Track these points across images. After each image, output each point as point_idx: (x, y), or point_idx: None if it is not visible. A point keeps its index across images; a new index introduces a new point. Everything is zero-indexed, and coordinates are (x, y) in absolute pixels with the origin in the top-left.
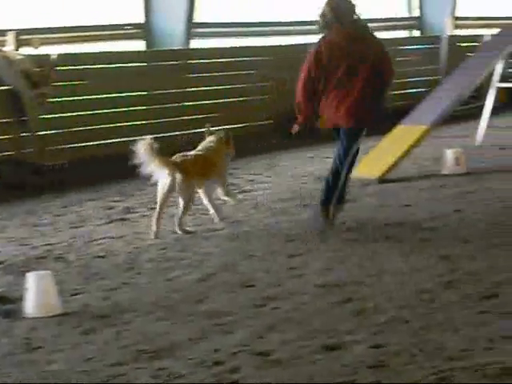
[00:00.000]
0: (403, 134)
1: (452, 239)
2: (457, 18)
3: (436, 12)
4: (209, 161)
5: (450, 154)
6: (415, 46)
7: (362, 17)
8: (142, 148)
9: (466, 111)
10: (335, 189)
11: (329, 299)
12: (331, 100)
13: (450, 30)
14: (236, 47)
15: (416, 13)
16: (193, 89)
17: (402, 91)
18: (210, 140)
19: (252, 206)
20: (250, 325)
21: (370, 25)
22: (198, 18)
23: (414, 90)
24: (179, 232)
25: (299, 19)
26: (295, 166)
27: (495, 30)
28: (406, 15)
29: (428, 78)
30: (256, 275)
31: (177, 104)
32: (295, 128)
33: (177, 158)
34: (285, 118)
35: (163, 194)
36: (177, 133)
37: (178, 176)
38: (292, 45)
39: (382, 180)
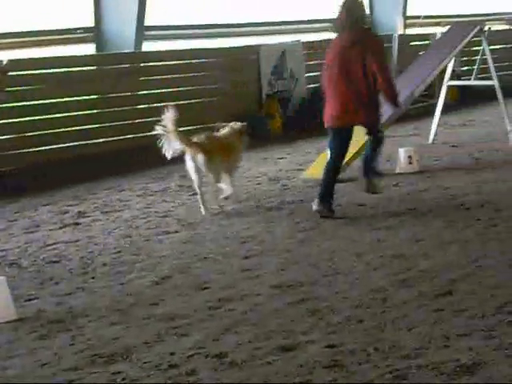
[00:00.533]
0: (356, 134)
1: (406, 238)
2: (408, 17)
3: (387, 11)
4: (228, 145)
5: (402, 153)
6: None
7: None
8: (167, 125)
9: (418, 110)
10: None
11: (284, 300)
12: None
13: (400, 29)
14: (188, 49)
15: (367, 12)
16: (145, 92)
17: None
18: (226, 131)
19: (206, 207)
20: (206, 327)
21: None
22: (148, 20)
23: None
24: (217, 207)
25: (250, 21)
26: (249, 168)
27: (446, 28)
28: None
29: None
30: (211, 277)
31: (129, 107)
32: None
33: (199, 138)
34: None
35: (194, 176)
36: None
37: (201, 157)
38: (243, 46)
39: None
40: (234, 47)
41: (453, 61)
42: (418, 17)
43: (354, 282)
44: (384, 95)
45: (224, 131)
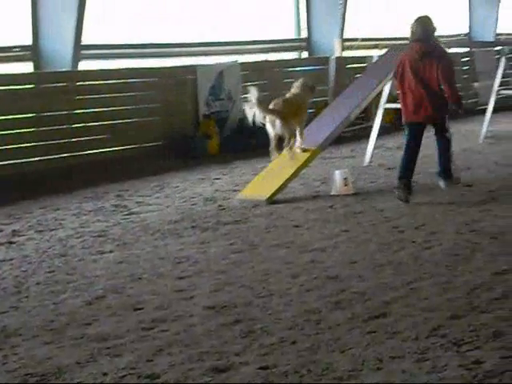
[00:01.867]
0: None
1: (340, 259)
2: (345, 40)
3: (324, 33)
4: (301, 105)
5: (338, 175)
6: (303, 68)
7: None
8: (251, 100)
9: (355, 132)
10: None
11: (217, 321)
12: None
13: (338, 52)
14: (124, 69)
15: (304, 34)
16: (82, 110)
17: None
18: (298, 89)
19: (141, 228)
20: (138, 348)
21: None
22: (86, 39)
23: None
24: (298, 151)
25: (188, 41)
26: (185, 188)
27: (383, 51)
28: (295, 36)
29: (316, 99)
30: (144, 298)
31: (65, 126)
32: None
33: (277, 103)
34: (174, 139)
35: (273, 136)
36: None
37: (278, 122)
38: (181, 66)
39: (271, 201)
40: (171, 67)
41: (389, 83)
42: (356, 39)
43: (288, 304)
44: (450, 98)
45: (296, 90)
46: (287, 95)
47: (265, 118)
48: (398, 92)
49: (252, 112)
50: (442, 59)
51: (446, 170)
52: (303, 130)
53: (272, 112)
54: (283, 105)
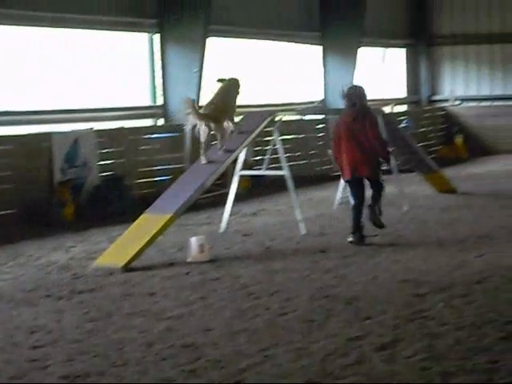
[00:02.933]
0: (148, 223)
1: (196, 327)
2: (201, 107)
3: (179, 100)
4: (227, 104)
5: (194, 242)
6: (160, 135)
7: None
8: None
9: (211, 198)
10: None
11: None
12: None
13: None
14: None
15: (160, 101)
16: None
17: (148, 179)
18: (221, 86)
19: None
20: None
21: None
22: None
23: (159, 179)
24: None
25: (43, 108)
26: (39, 256)
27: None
28: (151, 104)
29: (172, 166)
30: None
31: None
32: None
33: (205, 109)
34: (29, 206)
35: (204, 138)
36: None
37: (212, 124)
38: (35, 133)
39: (127, 269)
40: (26, 134)
41: (245, 150)
42: None
43: (144, 373)
44: (379, 155)
45: (221, 90)
46: (213, 97)
47: (200, 123)
48: (332, 152)
49: (189, 120)
50: (372, 122)
51: (373, 209)
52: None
53: (205, 117)
54: (214, 108)
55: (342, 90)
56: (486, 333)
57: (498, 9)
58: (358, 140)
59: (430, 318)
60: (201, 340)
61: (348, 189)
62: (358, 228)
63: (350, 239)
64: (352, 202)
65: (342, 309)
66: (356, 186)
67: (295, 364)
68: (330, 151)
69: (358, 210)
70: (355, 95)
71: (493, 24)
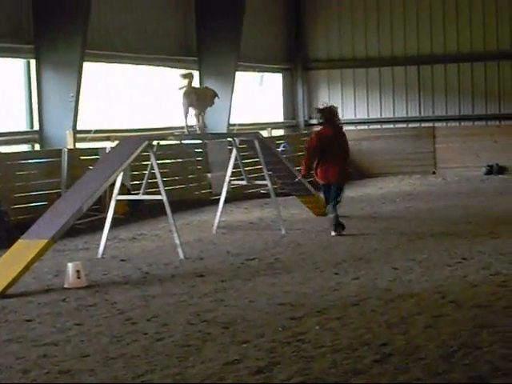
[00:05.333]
0: (24, 249)
1: (72, 353)
2: (78, 131)
3: (56, 125)
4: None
5: (71, 268)
6: (36, 160)
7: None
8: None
9: (88, 224)
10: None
11: None
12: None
13: (70, 143)
14: None
15: (36, 126)
16: None
17: (24, 205)
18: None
19: None
20: None
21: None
22: None
23: (36, 204)
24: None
25: None
26: None
27: (115, 143)
28: (27, 129)
29: (49, 191)
30: None
31: None
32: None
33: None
34: None
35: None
36: None
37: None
38: None
39: (3, 295)
40: None
41: (121, 175)
42: (89, 131)
43: None
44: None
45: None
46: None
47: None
48: (307, 161)
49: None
50: (344, 138)
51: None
52: None
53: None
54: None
55: (316, 107)
56: (361, 355)
57: (374, 33)
58: (334, 152)
59: (306, 341)
60: (77, 366)
61: (322, 191)
62: (338, 222)
63: (334, 234)
64: (328, 202)
65: (219, 333)
66: (329, 190)
67: None
68: (208, 175)
69: (334, 207)
70: (329, 112)
71: (369, 48)
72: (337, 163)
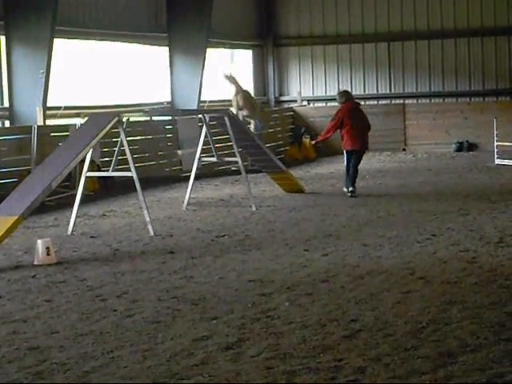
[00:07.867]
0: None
1: (42, 330)
2: (48, 108)
3: (26, 102)
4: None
5: (40, 244)
6: (5, 137)
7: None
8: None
9: (58, 200)
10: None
11: None
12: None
13: (40, 120)
14: None
15: (6, 103)
16: None
17: None
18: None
19: None
20: None
21: None
22: None
23: (5, 181)
24: None
25: None
26: None
27: (85, 119)
28: None
29: (19, 168)
30: None
31: None
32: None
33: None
34: None
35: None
36: None
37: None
38: None
39: None
40: None
41: (91, 151)
42: (59, 108)
43: None
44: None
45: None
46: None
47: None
48: (330, 132)
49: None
50: (363, 111)
51: (354, 181)
52: None
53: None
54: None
55: (340, 91)
56: (330, 331)
57: (345, 11)
58: (357, 124)
59: (275, 317)
60: (46, 343)
61: (345, 157)
62: (354, 182)
63: (351, 189)
64: (350, 166)
65: (189, 309)
66: (351, 157)
67: (141, 365)
68: (179, 152)
69: (356, 169)
70: (347, 94)
71: (340, 25)
72: (361, 133)
